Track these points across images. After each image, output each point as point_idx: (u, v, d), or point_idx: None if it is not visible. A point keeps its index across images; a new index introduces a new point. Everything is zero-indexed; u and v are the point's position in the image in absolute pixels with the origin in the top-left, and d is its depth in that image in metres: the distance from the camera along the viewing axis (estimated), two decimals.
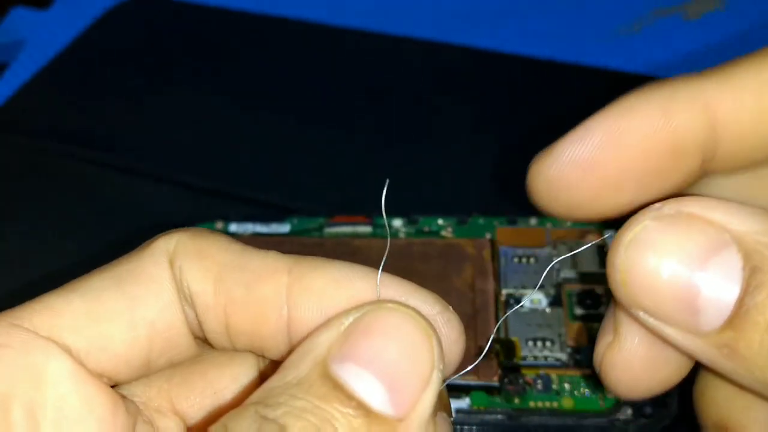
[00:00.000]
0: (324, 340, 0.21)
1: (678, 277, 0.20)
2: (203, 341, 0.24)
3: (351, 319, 0.21)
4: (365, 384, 0.20)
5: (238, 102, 0.60)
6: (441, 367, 0.20)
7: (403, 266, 0.42)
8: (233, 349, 0.24)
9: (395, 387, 0.20)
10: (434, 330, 0.21)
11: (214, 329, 0.23)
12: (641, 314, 0.21)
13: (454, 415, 0.25)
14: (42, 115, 0.61)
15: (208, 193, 0.53)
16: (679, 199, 0.21)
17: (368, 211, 0.46)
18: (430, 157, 0.54)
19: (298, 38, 0.65)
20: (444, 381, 0.23)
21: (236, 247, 0.23)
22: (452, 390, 0.37)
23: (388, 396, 0.20)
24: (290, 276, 0.22)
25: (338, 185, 0.53)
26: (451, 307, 0.23)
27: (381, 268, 0.23)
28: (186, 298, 0.23)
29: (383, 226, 0.45)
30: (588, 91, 0.57)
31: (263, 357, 0.25)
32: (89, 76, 0.64)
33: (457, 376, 0.24)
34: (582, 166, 0.23)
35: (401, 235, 0.45)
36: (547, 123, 0.56)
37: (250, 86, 0.61)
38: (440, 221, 0.45)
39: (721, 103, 0.22)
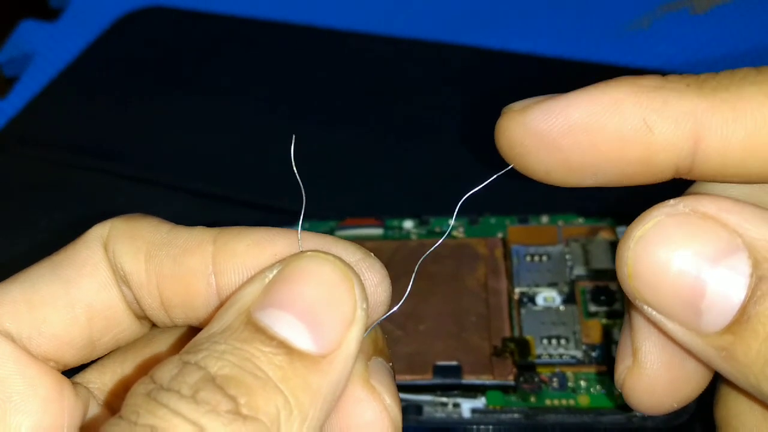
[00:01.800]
0: (247, 293, 0.21)
1: (685, 275, 0.20)
2: (150, 323, 0.25)
3: (274, 272, 0.22)
4: (286, 325, 0.20)
5: (246, 108, 0.60)
6: (364, 306, 0.21)
7: (415, 267, 0.42)
8: (173, 324, 0.25)
9: (316, 326, 0.20)
10: (354, 272, 0.21)
11: (150, 305, 0.24)
12: (646, 308, 0.22)
13: (392, 361, 0.25)
14: (53, 126, 0.62)
15: (218, 200, 0.53)
16: (696, 197, 0.21)
17: (379, 213, 0.46)
18: (439, 157, 0.54)
19: (305, 44, 0.65)
20: (379, 328, 0.24)
21: (165, 227, 0.24)
22: (468, 390, 0.37)
23: (309, 334, 0.20)
24: (215, 245, 0.23)
25: (349, 189, 0.53)
26: (373, 254, 0.24)
27: (300, 221, 0.24)
28: (122, 278, 0.24)
29: (395, 228, 0.45)
30: None
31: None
32: (98, 86, 0.65)
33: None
34: (547, 143, 0.23)
35: (413, 236, 0.45)
36: None
37: (258, 93, 0.61)
38: (451, 221, 0.45)
39: (710, 131, 0.21)
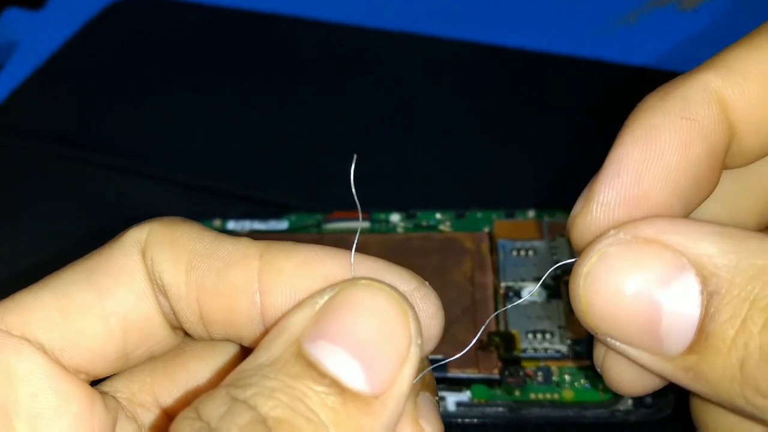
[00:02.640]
0: (297, 320, 0.20)
1: (638, 302, 0.20)
2: (183, 332, 0.24)
3: (325, 298, 0.21)
4: (339, 361, 0.19)
5: (234, 100, 0.60)
6: (419, 342, 0.20)
7: (401, 261, 0.42)
8: (210, 339, 0.23)
9: (370, 363, 0.19)
10: (410, 305, 0.20)
11: (188, 319, 0.23)
12: (608, 339, 0.21)
13: (438, 394, 0.24)
14: (37, 116, 0.61)
15: (205, 192, 0.53)
16: (635, 223, 0.21)
17: (366, 206, 0.46)
18: (427, 151, 0.54)
19: (293, 35, 0.65)
20: (425, 359, 0.23)
21: (208, 235, 0.23)
22: (453, 383, 0.37)
23: (363, 373, 0.19)
24: (261, 261, 0.22)
25: (335, 181, 0.53)
26: (427, 283, 0.22)
27: (354, 246, 0.22)
28: (159, 288, 0.23)
29: (381, 221, 0.45)
30: (584, 84, 0.57)
31: (242, 346, 0.24)
32: (84, 76, 0.64)
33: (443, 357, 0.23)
34: (628, 204, 0.21)
35: (399, 229, 0.45)
36: (543, 116, 0.56)
37: (246, 84, 0.61)
38: (438, 215, 0.45)
39: (730, 95, 0.21)
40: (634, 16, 0.63)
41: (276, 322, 0.21)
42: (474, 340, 0.23)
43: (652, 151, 0.21)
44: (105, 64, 0.65)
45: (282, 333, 0.20)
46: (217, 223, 0.46)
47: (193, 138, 0.57)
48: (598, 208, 0.21)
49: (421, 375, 0.22)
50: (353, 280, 0.21)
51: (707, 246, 0.19)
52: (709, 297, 0.19)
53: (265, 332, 0.21)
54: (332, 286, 0.21)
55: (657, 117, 0.21)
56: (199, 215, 0.46)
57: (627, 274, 0.20)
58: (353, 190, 0.24)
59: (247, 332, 0.23)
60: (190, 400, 0.23)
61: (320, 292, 0.21)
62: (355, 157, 0.24)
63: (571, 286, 0.21)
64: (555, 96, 0.57)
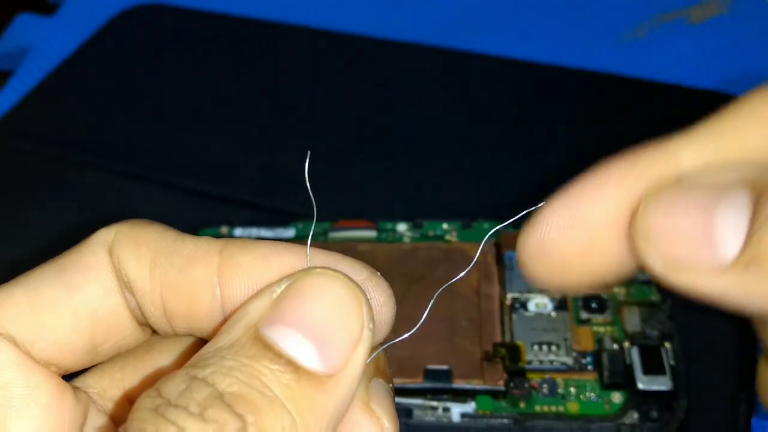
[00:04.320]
0: (255, 308, 0.21)
1: (693, 221, 0.19)
2: (151, 329, 0.25)
3: (282, 287, 0.22)
4: (294, 343, 0.20)
5: (242, 108, 0.60)
6: (371, 326, 0.21)
7: (408, 270, 0.42)
8: (175, 334, 0.24)
9: (324, 344, 0.20)
10: (362, 291, 0.21)
11: (153, 314, 0.24)
12: (659, 264, 0.20)
13: (393, 383, 0.25)
14: (48, 121, 0.61)
15: (213, 199, 0.53)
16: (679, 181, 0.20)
17: (373, 215, 0.46)
18: (434, 161, 0.54)
19: (302, 44, 0.65)
20: (377, 346, 0.23)
21: (171, 234, 0.24)
22: (458, 394, 0.37)
23: (317, 353, 0.20)
24: (221, 257, 0.23)
25: (342, 190, 0.53)
26: (379, 273, 0.23)
27: (310, 238, 0.23)
28: (125, 284, 0.24)
29: (388, 230, 0.45)
30: (592, 96, 0.58)
31: (205, 340, 0.25)
32: (94, 82, 0.65)
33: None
34: (566, 226, 0.21)
35: (406, 239, 0.45)
36: (551, 128, 0.56)
37: (254, 92, 0.62)
38: (445, 225, 0.45)
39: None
40: (643, 30, 0.63)
41: (235, 311, 0.22)
42: (423, 317, 0.24)
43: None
44: (115, 71, 0.65)
45: (240, 319, 0.21)
46: (224, 230, 0.46)
47: (201, 145, 0.58)
48: (538, 227, 0.21)
49: (374, 355, 0.23)
50: (308, 269, 0.22)
51: (747, 173, 0.19)
52: (758, 196, 0.18)
53: (225, 322, 0.22)
54: (289, 276, 0.22)
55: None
56: (207, 222, 0.47)
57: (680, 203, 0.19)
58: (308, 185, 0.25)
59: (208, 325, 0.24)
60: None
61: (278, 281, 0.22)
62: (309, 153, 0.25)
63: (639, 221, 0.20)
64: (563, 108, 0.57)
